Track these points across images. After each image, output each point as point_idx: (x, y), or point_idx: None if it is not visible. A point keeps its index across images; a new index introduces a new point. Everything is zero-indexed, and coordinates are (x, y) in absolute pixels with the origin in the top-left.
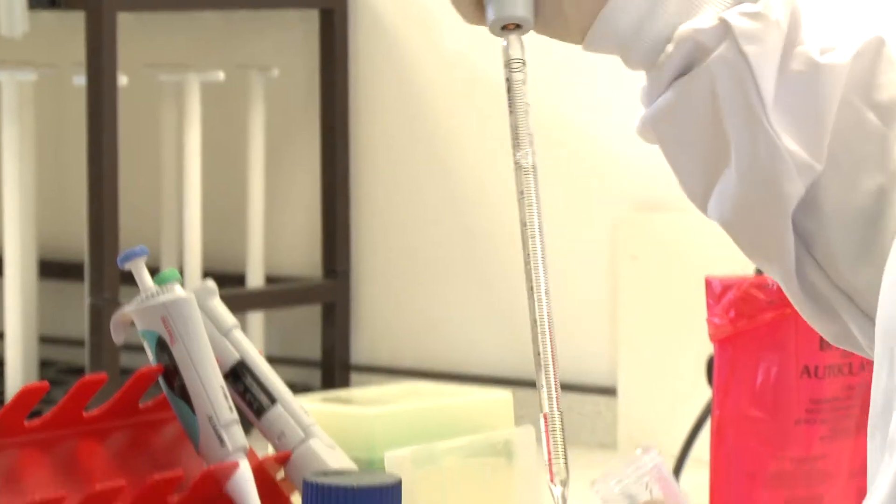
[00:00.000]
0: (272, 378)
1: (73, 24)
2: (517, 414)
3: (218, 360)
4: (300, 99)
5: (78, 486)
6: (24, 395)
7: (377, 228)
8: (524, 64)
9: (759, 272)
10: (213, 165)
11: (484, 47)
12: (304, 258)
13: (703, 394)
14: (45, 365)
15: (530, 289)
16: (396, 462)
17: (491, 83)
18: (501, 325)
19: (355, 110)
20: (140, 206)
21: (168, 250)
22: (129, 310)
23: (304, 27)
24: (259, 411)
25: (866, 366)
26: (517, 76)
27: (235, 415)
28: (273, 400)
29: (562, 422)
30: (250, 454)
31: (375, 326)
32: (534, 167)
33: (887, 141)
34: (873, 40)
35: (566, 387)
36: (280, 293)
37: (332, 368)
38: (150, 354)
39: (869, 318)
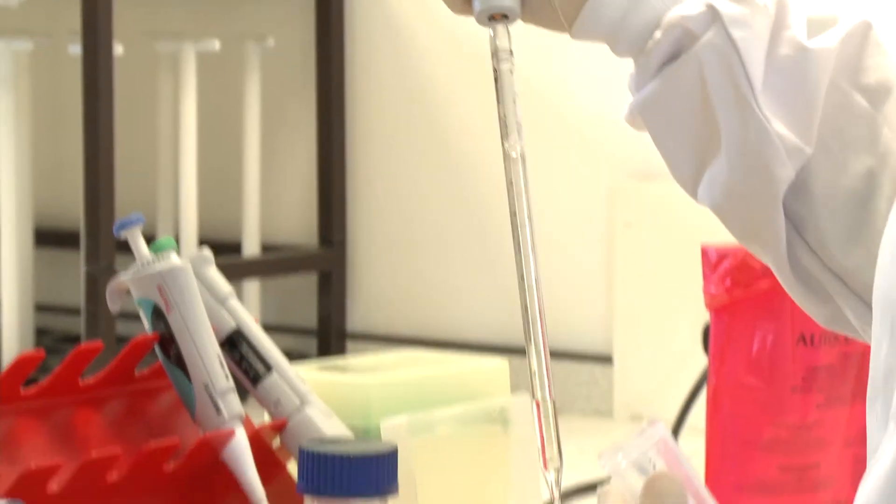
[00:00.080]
0: (268, 346)
1: None
2: (513, 382)
3: (214, 329)
4: (296, 68)
5: (74, 453)
6: (20, 363)
7: (373, 197)
8: (511, 54)
9: None
10: (210, 134)
11: None
12: (301, 226)
13: (699, 362)
14: (41, 333)
15: (521, 277)
16: (393, 430)
17: (487, 53)
18: (498, 292)
19: (351, 79)
20: (136, 174)
21: (164, 219)
22: (125, 278)
23: None
24: (255, 379)
25: None
26: (504, 66)
27: (231, 383)
28: (269, 368)
29: (554, 409)
30: (246, 422)
31: (372, 294)
32: (522, 156)
33: (876, 123)
34: (860, 24)
35: (562, 355)
36: (276, 261)
37: (329, 336)
38: (146, 323)
39: (861, 299)
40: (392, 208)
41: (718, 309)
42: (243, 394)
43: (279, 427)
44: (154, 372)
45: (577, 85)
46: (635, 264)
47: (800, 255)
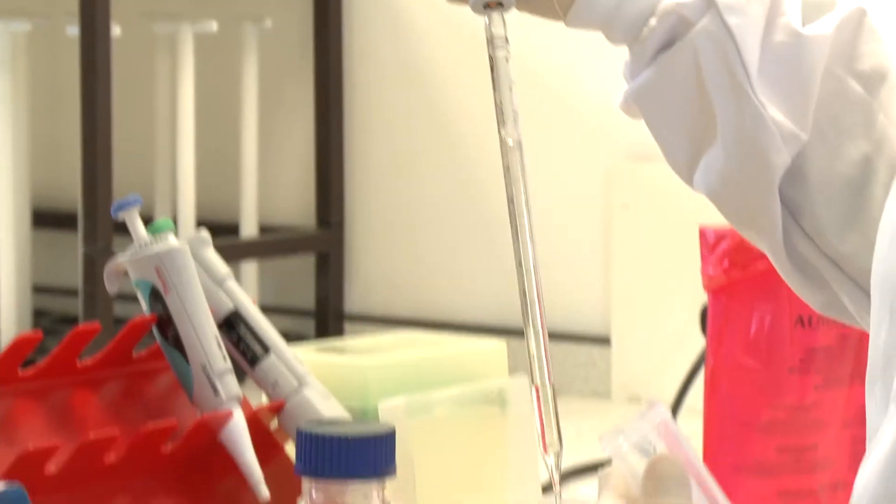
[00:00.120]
0: (266, 327)
1: None
2: (511, 363)
3: (212, 310)
4: (294, 49)
5: (71, 434)
6: (17, 344)
7: (371, 179)
8: (507, 41)
9: None
10: (207, 116)
11: None
12: (298, 208)
13: (697, 343)
14: (38, 314)
15: (518, 264)
16: (390, 411)
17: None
18: (496, 274)
19: (349, 60)
20: (134, 155)
21: (162, 200)
22: (122, 260)
23: None
24: (253, 361)
25: None
26: (500, 53)
27: (229, 364)
28: (267, 349)
29: (553, 394)
30: (244, 403)
31: (370, 276)
32: (519, 144)
33: (871, 109)
34: (855, 11)
35: (560, 336)
36: (274, 243)
37: (326, 318)
38: (144, 304)
39: (857, 284)
40: (390, 190)
41: (716, 290)
42: (241, 375)
43: (277, 408)
44: (152, 353)
45: (575, 66)
46: (633, 246)
47: (796, 241)
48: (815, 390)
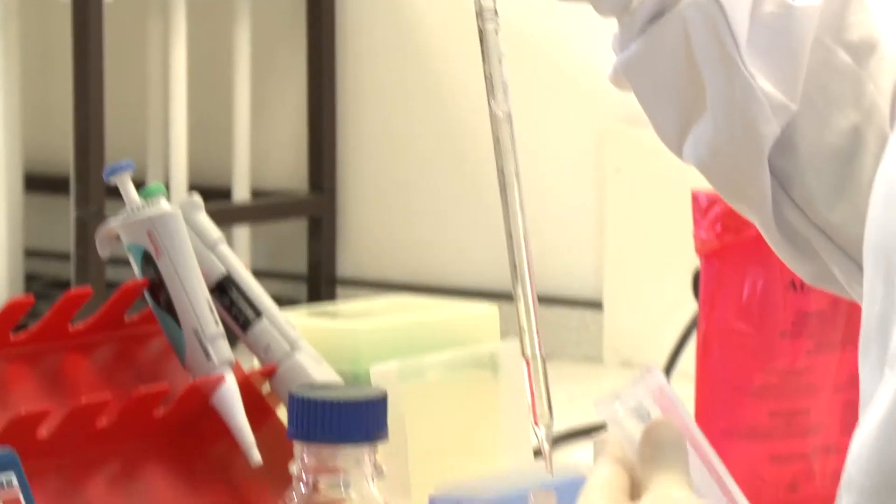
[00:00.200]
0: (258, 292)
1: None
2: (503, 328)
3: (204, 274)
4: (287, 14)
5: (63, 399)
6: (9, 308)
7: (364, 143)
8: (496, 13)
9: None
10: (200, 80)
11: None
12: (291, 172)
13: (689, 307)
14: (30, 278)
15: (508, 235)
16: (382, 375)
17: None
18: (488, 238)
19: (342, 24)
20: (126, 120)
21: (154, 164)
22: (114, 224)
23: None
24: (245, 325)
25: None
26: (490, 26)
27: (221, 328)
28: (259, 314)
29: (544, 366)
30: (236, 368)
31: (362, 240)
32: (509, 116)
33: (860, 79)
34: None
35: (552, 301)
36: (266, 207)
37: (319, 282)
38: (136, 268)
39: (847, 254)
40: (383, 154)
41: (708, 254)
42: (233, 340)
43: (269, 373)
44: (144, 317)
45: (567, 29)
46: (625, 210)
47: (785, 211)
48: (807, 354)
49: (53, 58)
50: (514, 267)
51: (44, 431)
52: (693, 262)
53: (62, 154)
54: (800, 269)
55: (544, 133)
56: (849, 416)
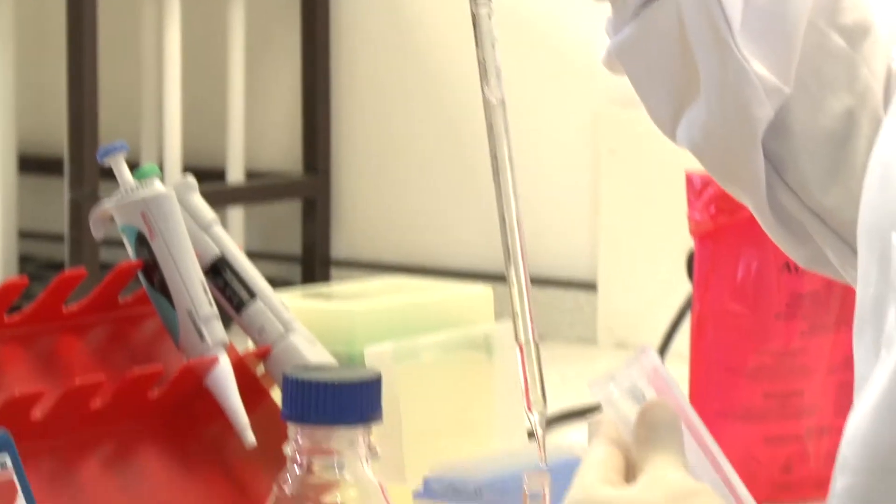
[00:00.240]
0: (252, 273)
1: None
2: (497, 309)
3: (198, 256)
4: None
5: (57, 380)
6: (3, 290)
7: (358, 124)
8: None
9: None
10: (194, 61)
11: None
12: (285, 153)
13: (684, 288)
14: (24, 260)
15: (501, 219)
16: (376, 357)
17: None
18: (483, 220)
19: (337, 6)
20: (120, 101)
21: (148, 146)
22: (108, 205)
23: None
24: (239, 306)
25: None
26: (483, 10)
27: (215, 309)
28: (253, 295)
29: (538, 352)
30: (230, 349)
31: (356, 221)
32: (502, 101)
33: (854, 63)
34: None
35: (546, 282)
36: (260, 188)
37: (313, 264)
38: (130, 249)
39: (840, 237)
40: (377, 135)
41: (703, 236)
42: (227, 321)
43: (263, 354)
44: (138, 299)
45: (561, 11)
46: (619, 191)
47: (779, 195)
48: (801, 336)
49: (48, 40)
50: (507, 251)
51: (38, 413)
52: (687, 243)
53: (56, 135)
54: (793, 252)
55: (539, 115)
56: (843, 398)
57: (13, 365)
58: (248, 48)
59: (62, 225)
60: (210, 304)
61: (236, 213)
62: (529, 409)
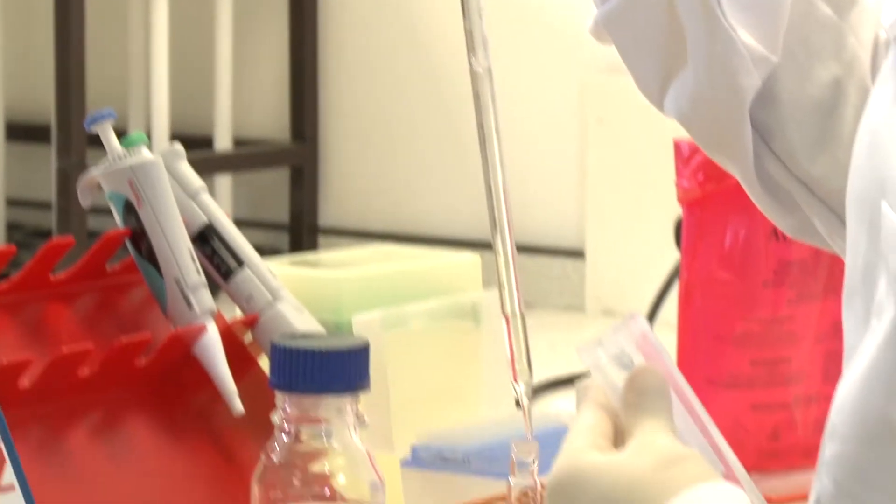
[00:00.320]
0: (240, 241)
1: None
2: (485, 277)
3: (185, 223)
4: None
5: (45, 349)
6: None
7: (346, 91)
8: None
9: None
10: (181, 28)
11: None
12: (273, 121)
13: (671, 256)
14: (11, 228)
15: (488, 189)
16: (364, 325)
17: None
18: (471, 187)
19: None
20: (107, 69)
21: (135, 113)
22: (96, 173)
23: None
24: (227, 274)
25: None
26: None
27: (203, 278)
28: (241, 263)
29: (524, 322)
30: (218, 317)
31: (344, 189)
32: (489, 71)
33: (841, 31)
34: None
35: (534, 250)
36: (248, 156)
37: (301, 231)
38: (118, 217)
39: (828, 206)
40: (365, 103)
41: (691, 203)
42: (215, 289)
43: (251, 322)
44: (126, 267)
45: None
46: (607, 159)
47: (767, 164)
48: (789, 304)
49: (35, 6)
50: (493, 222)
51: (26, 381)
52: (675, 210)
53: (44, 103)
54: (781, 221)
55: (527, 83)
56: (830, 366)
57: (0, 333)
58: (236, 15)
59: (50, 193)
60: (198, 272)
61: (224, 181)
62: (515, 379)
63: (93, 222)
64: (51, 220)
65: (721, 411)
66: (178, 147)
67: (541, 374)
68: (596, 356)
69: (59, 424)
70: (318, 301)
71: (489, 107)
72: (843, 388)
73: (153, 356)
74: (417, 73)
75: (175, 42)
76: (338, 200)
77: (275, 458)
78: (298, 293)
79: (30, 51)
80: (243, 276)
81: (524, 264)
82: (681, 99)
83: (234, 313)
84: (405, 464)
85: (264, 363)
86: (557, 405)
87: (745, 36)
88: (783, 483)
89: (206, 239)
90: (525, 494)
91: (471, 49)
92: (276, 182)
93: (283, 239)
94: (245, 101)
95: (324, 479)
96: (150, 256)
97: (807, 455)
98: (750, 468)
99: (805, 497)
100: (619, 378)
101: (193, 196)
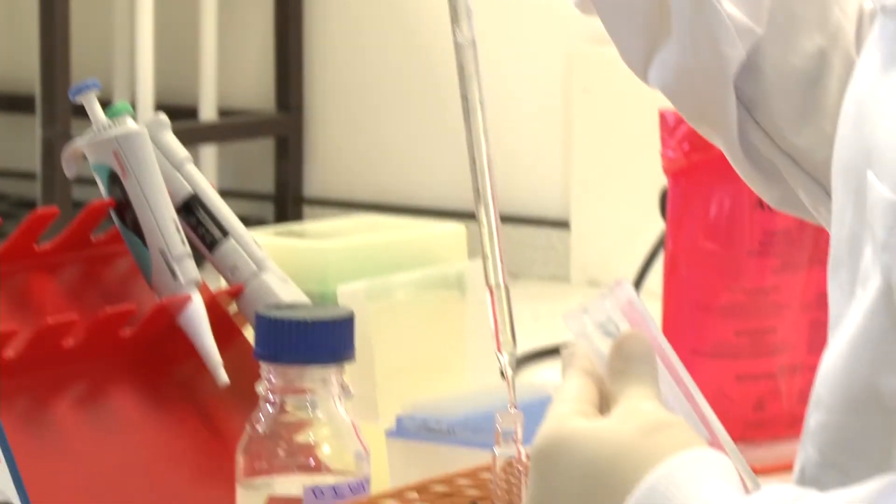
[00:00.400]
0: (224, 211)
1: None
2: (471, 247)
3: (170, 194)
4: None
5: (30, 319)
6: None
7: (331, 62)
8: None
9: None
10: None
11: None
12: (258, 91)
13: (657, 226)
14: None
15: (472, 161)
16: (349, 295)
17: None
18: (456, 158)
19: None
20: (92, 39)
21: (120, 83)
22: (80, 143)
23: None
24: (211, 245)
25: None
26: None
27: (188, 248)
28: (225, 233)
29: (507, 294)
30: (203, 287)
31: (329, 160)
32: (473, 42)
33: (825, 3)
34: None
35: (519, 220)
36: (233, 126)
37: (286, 202)
38: (102, 188)
39: (812, 177)
40: (350, 73)
41: (676, 173)
42: (199, 259)
43: (235, 293)
44: (110, 237)
45: None
46: (593, 130)
47: (751, 135)
48: (774, 273)
49: None
50: (477, 193)
51: (10, 352)
52: (660, 181)
53: (28, 73)
54: (765, 193)
55: (512, 53)
56: (815, 336)
57: None
58: None
59: (34, 163)
60: (182, 242)
61: (209, 151)
62: (499, 350)
63: (77, 192)
64: (35, 190)
65: (706, 381)
66: (163, 117)
67: (525, 345)
68: (581, 323)
69: (44, 395)
70: (303, 271)
71: (473, 78)
72: (829, 357)
73: (138, 327)
74: (402, 44)
75: (160, 12)
76: (323, 171)
77: (260, 428)
78: (283, 264)
79: (15, 21)
80: (228, 247)
81: (509, 234)
82: (665, 71)
83: (219, 284)
84: (390, 434)
85: (249, 334)
86: (542, 375)
87: (730, 7)
88: (768, 453)
89: (190, 209)
90: (510, 464)
91: (455, 20)
92: (261, 152)
93: (268, 209)
94: (230, 72)
95: (309, 450)
96: (134, 227)
97: (791, 425)
98: (735, 438)
99: (790, 467)
100: (604, 345)
101: (178, 166)
